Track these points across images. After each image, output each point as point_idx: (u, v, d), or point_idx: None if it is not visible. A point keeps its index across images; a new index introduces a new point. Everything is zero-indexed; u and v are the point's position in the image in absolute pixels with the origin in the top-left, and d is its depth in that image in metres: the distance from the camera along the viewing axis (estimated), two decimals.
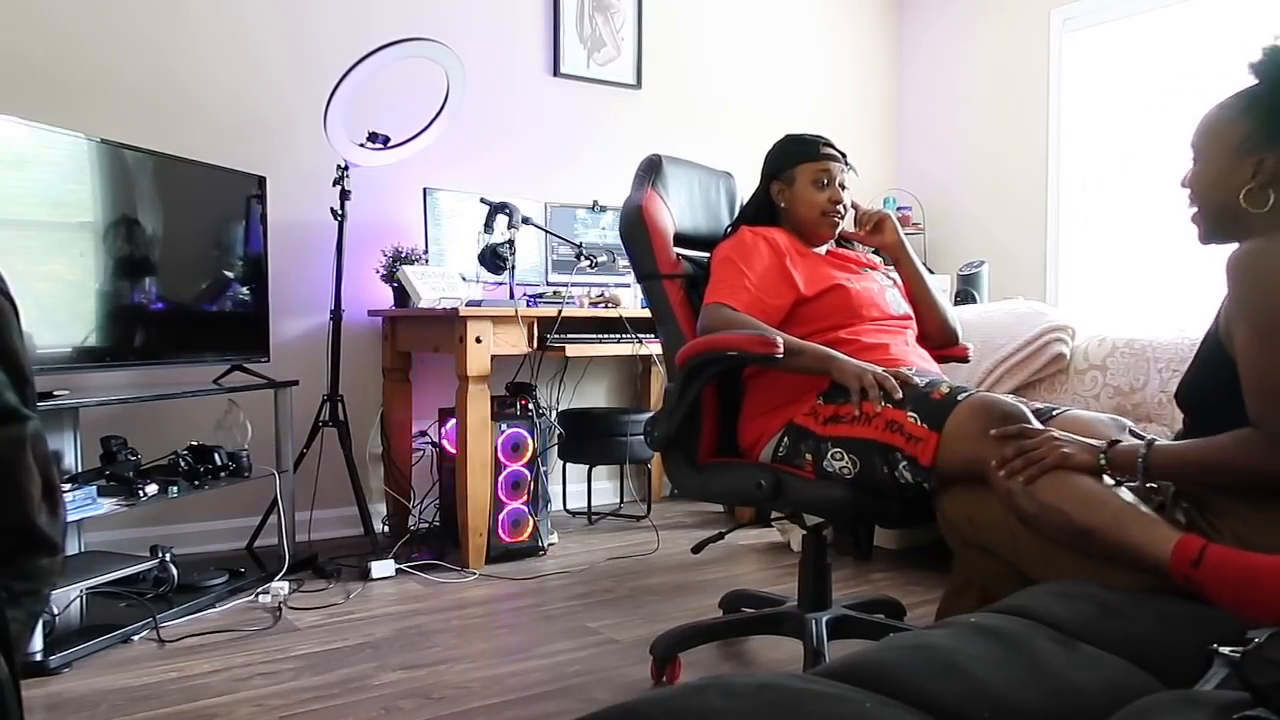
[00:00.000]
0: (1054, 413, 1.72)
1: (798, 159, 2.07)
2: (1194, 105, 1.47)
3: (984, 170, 4.56)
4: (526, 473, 3.09)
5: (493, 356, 2.97)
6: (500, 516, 3.03)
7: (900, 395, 1.66)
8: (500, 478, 3.04)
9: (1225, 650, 0.98)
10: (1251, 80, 1.37)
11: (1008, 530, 1.45)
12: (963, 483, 1.55)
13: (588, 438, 3.53)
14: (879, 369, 1.72)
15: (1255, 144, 1.34)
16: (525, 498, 3.09)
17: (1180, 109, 3.81)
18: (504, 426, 3.05)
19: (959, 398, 1.60)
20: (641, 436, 3.31)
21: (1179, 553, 1.23)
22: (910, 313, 2.07)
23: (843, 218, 2.09)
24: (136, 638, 2.29)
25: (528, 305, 3.07)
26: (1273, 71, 1.34)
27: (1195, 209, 1.44)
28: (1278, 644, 0.94)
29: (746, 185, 2.27)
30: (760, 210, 2.12)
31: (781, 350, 1.71)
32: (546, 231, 3.47)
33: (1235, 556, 1.19)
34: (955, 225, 4.65)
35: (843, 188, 2.07)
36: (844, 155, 2.09)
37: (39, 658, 2.05)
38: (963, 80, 4.65)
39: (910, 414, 1.63)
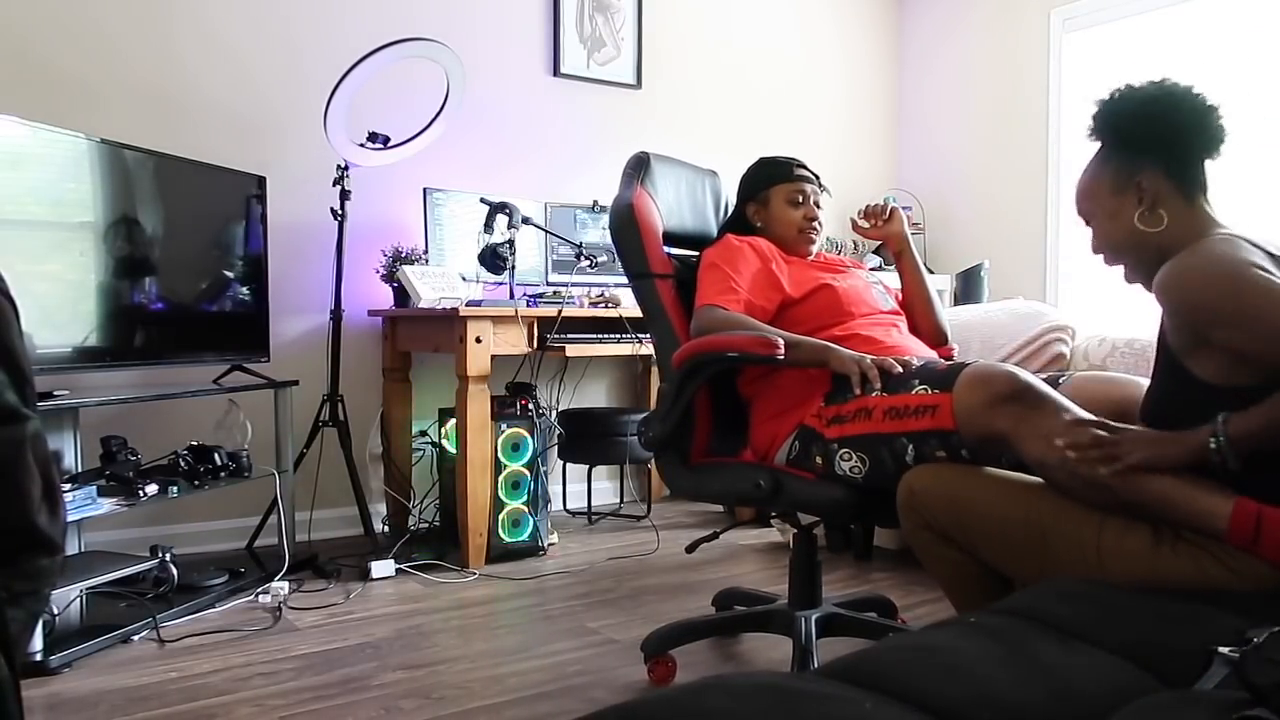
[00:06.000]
0: (1061, 380, 1.70)
1: (771, 180, 2.11)
2: None
3: (984, 170, 4.55)
4: (526, 473, 3.09)
5: (493, 356, 2.97)
6: (500, 516, 3.04)
7: (900, 370, 1.67)
8: (500, 478, 3.04)
9: (1225, 650, 0.98)
10: (1095, 145, 1.51)
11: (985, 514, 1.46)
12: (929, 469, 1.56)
13: (588, 438, 3.53)
14: (874, 356, 1.73)
15: (1124, 175, 1.45)
16: (525, 498, 3.09)
17: None
18: (504, 426, 3.05)
19: (964, 364, 1.60)
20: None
21: (1237, 526, 1.26)
22: (897, 308, 2.08)
23: (819, 234, 2.12)
24: (136, 638, 2.29)
25: (528, 305, 3.07)
26: (1102, 121, 1.49)
27: (1120, 264, 1.50)
28: (1278, 644, 0.94)
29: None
30: (738, 231, 2.14)
31: (783, 350, 1.71)
32: (546, 231, 3.47)
33: None
34: (955, 225, 4.65)
35: (817, 206, 2.10)
36: (817, 177, 2.14)
37: (39, 658, 2.05)
38: (963, 80, 4.65)
39: (918, 387, 1.62)
